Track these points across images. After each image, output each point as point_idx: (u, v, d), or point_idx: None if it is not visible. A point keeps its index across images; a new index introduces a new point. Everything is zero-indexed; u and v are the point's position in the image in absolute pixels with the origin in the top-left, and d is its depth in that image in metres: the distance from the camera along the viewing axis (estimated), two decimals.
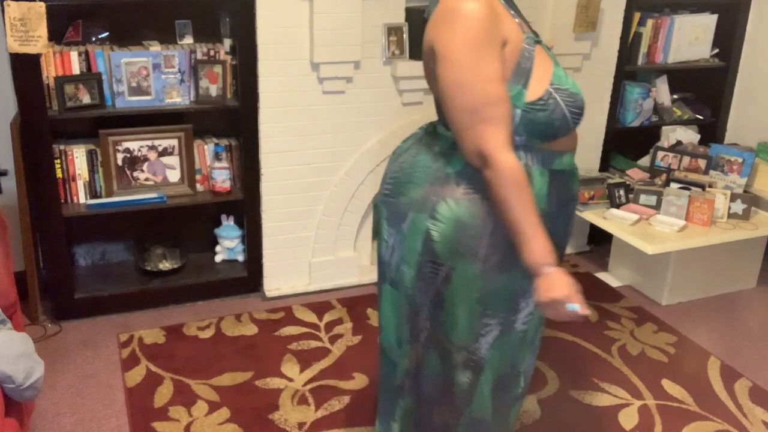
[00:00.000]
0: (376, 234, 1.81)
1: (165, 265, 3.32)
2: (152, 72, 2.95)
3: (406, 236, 1.72)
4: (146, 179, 3.14)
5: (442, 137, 1.74)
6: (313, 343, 2.99)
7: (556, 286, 1.58)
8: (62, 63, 2.85)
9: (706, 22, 3.82)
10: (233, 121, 3.21)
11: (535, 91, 1.62)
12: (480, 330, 1.75)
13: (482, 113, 1.55)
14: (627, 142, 3.95)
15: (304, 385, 2.72)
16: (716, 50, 3.93)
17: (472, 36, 1.54)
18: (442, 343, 1.79)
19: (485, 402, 1.85)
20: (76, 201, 3.05)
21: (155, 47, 2.99)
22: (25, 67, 2.70)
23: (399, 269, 1.77)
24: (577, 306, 1.58)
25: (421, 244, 1.69)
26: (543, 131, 1.66)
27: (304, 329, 3.09)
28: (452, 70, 1.56)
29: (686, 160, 3.63)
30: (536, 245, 1.58)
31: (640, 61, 3.75)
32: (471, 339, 1.76)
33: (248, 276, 3.34)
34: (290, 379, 2.75)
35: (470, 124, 1.57)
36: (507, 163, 1.55)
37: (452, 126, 1.62)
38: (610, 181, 3.56)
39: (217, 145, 3.19)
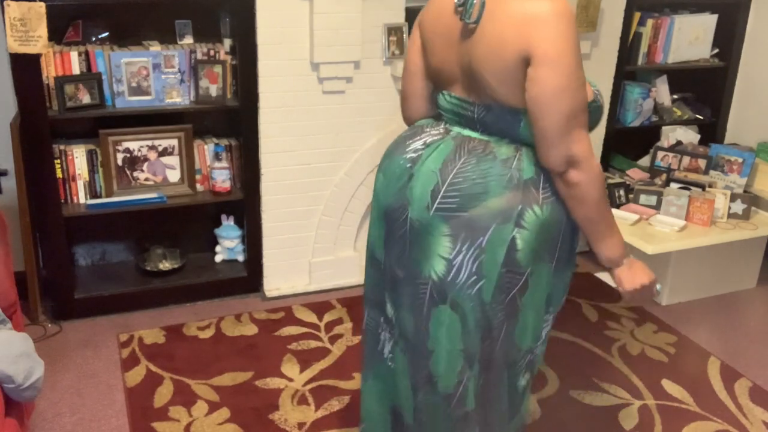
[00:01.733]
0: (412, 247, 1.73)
1: (165, 265, 3.32)
2: (152, 72, 2.95)
3: (485, 249, 1.64)
4: (146, 179, 3.14)
5: (501, 143, 1.68)
6: (313, 343, 2.99)
7: (641, 274, 1.72)
8: (62, 63, 2.85)
9: (706, 22, 3.82)
10: (233, 121, 3.21)
11: (588, 92, 1.64)
12: (542, 328, 1.79)
13: (579, 118, 1.55)
14: (627, 142, 3.95)
15: (304, 385, 2.72)
16: (716, 50, 3.93)
17: (574, 39, 1.52)
18: (510, 355, 1.75)
19: (528, 398, 1.91)
20: (76, 201, 3.05)
21: (155, 47, 2.99)
22: (25, 67, 2.70)
23: (472, 286, 1.67)
24: (659, 285, 1.74)
25: (504, 255, 1.63)
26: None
27: (304, 329, 3.09)
28: (560, 75, 1.51)
29: (686, 160, 3.63)
30: (617, 239, 1.70)
31: (640, 61, 3.75)
32: (535, 339, 1.78)
33: (248, 276, 3.34)
34: (290, 379, 2.75)
35: (568, 130, 1.54)
36: (597, 165, 1.59)
37: (544, 131, 1.56)
38: (610, 181, 3.56)
39: (217, 145, 3.19)
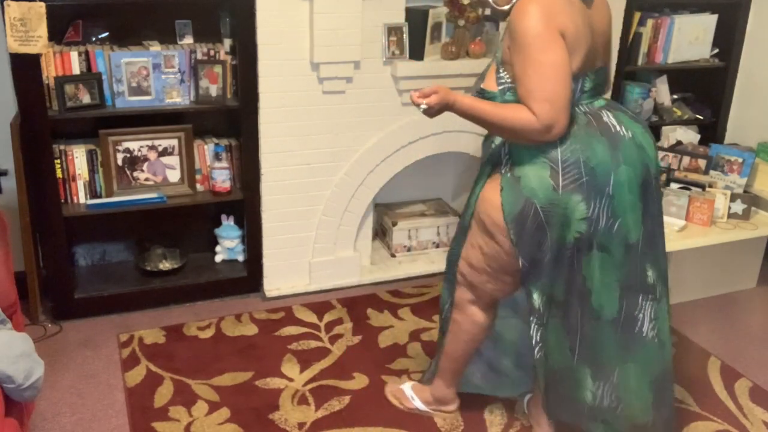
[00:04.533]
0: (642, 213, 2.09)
1: (165, 265, 3.32)
2: (152, 72, 2.95)
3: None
4: (146, 179, 3.14)
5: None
6: (313, 343, 2.99)
7: None
8: (62, 63, 2.85)
9: (706, 22, 3.82)
10: (233, 121, 3.21)
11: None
12: None
13: None
14: None
15: (304, 385, 2.72)
16: (716, 50, 3.92)
17: None
18: None
19: None
20: (76, 201, 3.05)
21: (155, 47, 2.99)
22: (25, 67, 2.70)
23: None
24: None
25: None
26: None
27: (304, 329, 3.09)
28: None
29: (686, 160, 3.63)
30: None
31: (640, 61, 3.75)
32: None
33: (248, 276, 3.34)
34: (290, 379, 2.75)
35: None
36: None
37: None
38: None
39: (217, 145, 3.19)
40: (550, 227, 2.01)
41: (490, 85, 2.06)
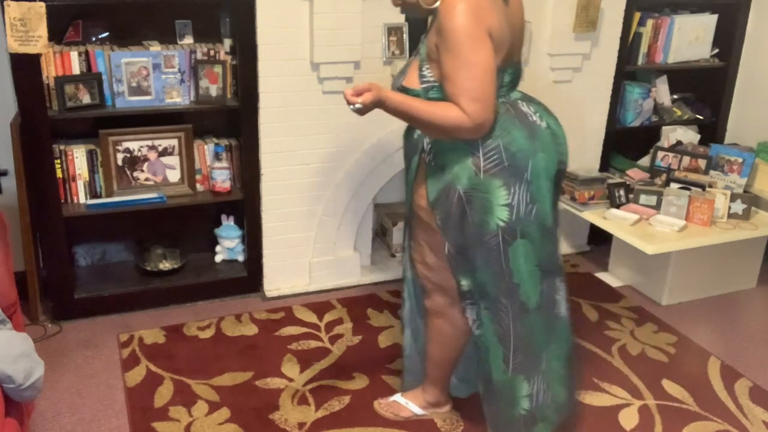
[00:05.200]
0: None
1: (165, 265, 3.32)
2: (152, 72, 2.95)
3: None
4: (146, 179, 3.14)
5: None
6: (313, 343, 2.99)
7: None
8: (62, 63, 2.85)
9: (706, 22, 3.82)
10: (233, 121, 3.21)
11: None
12: None
13: None
14: (627, 142, 3.95)
15: (304, 385, 2.72)
16: (716, 50, 3.93)
17: None
18: None
19: None
20: (76, 201, 3.05)
21: (155, 47, 2.99)
22: (25, 67, 2.70)
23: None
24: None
25: None
26: None
27: (304, 329, 3.10)
28: None
29: (686, 160, 3.63)
30: None
31: (640, 61, 3.75)
32: None
33: (248, 276, 3.34)
34: (290, 379, 2.75)
35: None
36: None
37: None
38: (610, 181, 3.56)
39: (217, 145, 3.19)
40: (473, 211, 2.06)
41: (413, 82, 2.07)
